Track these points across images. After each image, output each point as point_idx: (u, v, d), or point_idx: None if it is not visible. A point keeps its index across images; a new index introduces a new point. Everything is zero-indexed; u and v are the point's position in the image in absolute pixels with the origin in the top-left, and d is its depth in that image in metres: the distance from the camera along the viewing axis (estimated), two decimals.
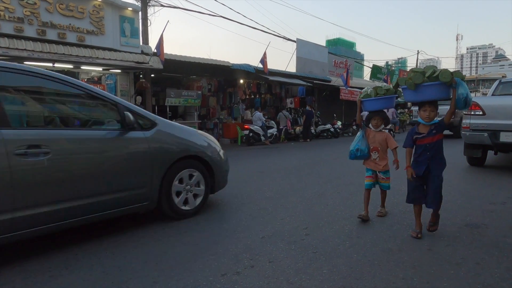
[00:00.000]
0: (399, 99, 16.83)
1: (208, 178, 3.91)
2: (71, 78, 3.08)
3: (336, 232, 3.26)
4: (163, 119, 3.66)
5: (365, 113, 3.77)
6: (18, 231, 2.59)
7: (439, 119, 3.06)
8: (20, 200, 2.56)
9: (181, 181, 3.63)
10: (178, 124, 3.95)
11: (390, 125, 14.62)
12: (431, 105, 2.96)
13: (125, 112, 3.17)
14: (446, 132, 8.17)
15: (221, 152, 4.22)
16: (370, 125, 3.63)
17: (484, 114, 6.05)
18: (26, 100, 3.03)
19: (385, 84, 4.16)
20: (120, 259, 2.75)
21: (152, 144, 3.37)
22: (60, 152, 2.78)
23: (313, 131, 15.95)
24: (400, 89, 3.32)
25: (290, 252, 2.82)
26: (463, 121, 6.40)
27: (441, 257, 2.64)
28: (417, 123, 3.11)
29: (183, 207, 3.67)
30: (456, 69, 3.39)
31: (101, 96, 3.18)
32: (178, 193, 3.62)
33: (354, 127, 17.49)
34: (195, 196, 3.79)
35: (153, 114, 3.64)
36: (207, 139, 4.07)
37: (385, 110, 3.68)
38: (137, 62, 10.58)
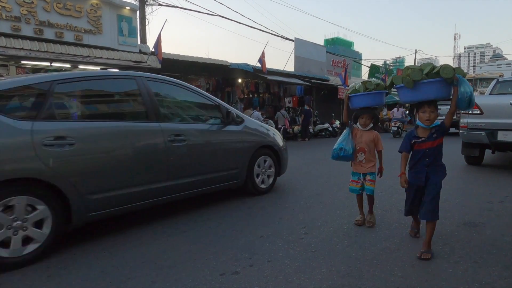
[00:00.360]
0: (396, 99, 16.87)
1: (276, 163, 4.88)
2: (192, 85, 4.20)
3: (334, 231, 3.27)
4: (247, 116, 4.70)
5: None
6: (168, 195, 3.60)
7: (440, 120, 2.72)
8: (171, 173, 3.56)
9: (259, 165, 4.62)
10: (256, 121, 4.94)
11: (399, 123, 14.81)
12: (431, 106, 2.62)
13: (227, 111, 4.18)
14: (452, 130, 8.11)
15: (284, 144, 5.13)
16: (357, 124, 3.34)
17: (481, 113, 6.07)
18: (169, 102, 4.05)
19: (374, 79, 3.88)
20: (119, 258, 2.74)
21: (243, 135, 4.39)
22: (192, 140, 3.76)
23: (311, 130, 15.96)
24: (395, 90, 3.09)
25: (289, 251, 2.82)
26: (461, 120, 6.42)
27: (439, 256, 2.65)
28: (416, 126, 2.78)
29: (261, 186, 4.68)
30: (457, 66, 2.78)
31: (210, 99, 4.21)
32: (257, 175, 4.61)
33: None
34: (268, 177, 4.79)
35: (241, 113, 4.60)
36: (275, 133, 5.03)
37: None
38: (135, 62, 10.56)
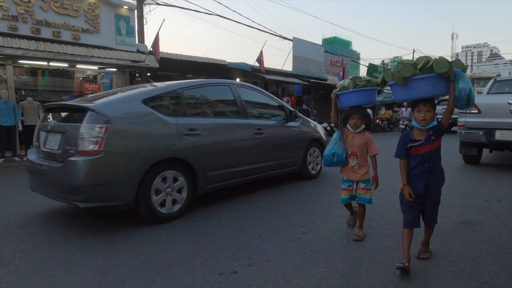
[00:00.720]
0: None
1: (321, 154, 5.59)
2: (263, 89, 5.56)
3: (333, 231, 3.27)
4: (300, 114, 5.70)
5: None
6: (253, 175, 4.65)
7: (438, 119, 2.50)
8: (255, 158, 4.63)
9: (310, 155, 5.62)
10: (307, 118, 5.94)
11: (406, 122, 14.71)
12: (427, 104, 2.36)
13: (289, 110, 5.34)
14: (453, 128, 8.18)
15: (326, 137, 6.09)
16: (348, 126, 3.01)
17: (479, 112, 6.09)
18: (251, 103, 4.95)
19: (366, 77, 3.54)
20: (117, 258, 2.74)
21: (300, 129, 5.51)
22: (268, 133, 4.80)
23: None
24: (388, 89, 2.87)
25: (288, 250, 2.83)
26: (459, 119, 6.44)
27: (437, 255, 2.66)
28: (411, 127, 2.49)
29: (312, 172, 5.70)
30: (456, 59, 2.56)
31: (276, 100, 5.39)
32: (309, 163, 5.62)
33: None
34: (317, 164, 5.82)
35: (296, 111, 5.58)
36: (321, 128, 6.10)
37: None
38: (133, 61, 10.54)
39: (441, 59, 2.28)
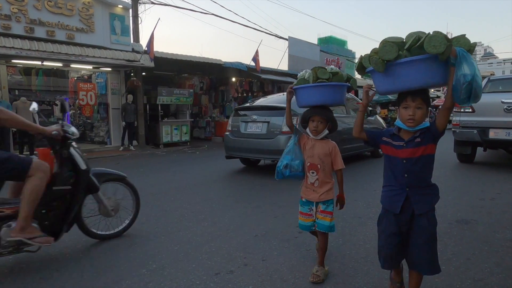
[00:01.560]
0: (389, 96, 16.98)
1: None
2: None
3: None
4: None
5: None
6: (350, 152, 6.58)
7: (430, 119, 2.10)
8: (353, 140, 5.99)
9: None
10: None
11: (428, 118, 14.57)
12: (417, 98, 1.73)
13: (369, 109, 6.07)
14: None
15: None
16: (307, 130, 2.36)
17: (473, 111, 6.14)
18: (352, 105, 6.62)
19: (332, 66, 2.54)
20: (112, 259, 2.72)
21: (375, 122, 7.85)
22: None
23: None
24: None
25: (284, 250, 2.83)
26: (453, 118, 6.49)
27: None
28: (398, 129, 1.87)
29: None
30: (460, 35, 1.74)
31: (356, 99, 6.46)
32: None
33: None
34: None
35: (374, 109, 7.53)
36: (383, 123, 8.15)
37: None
38: (128, 60, 10.48)
39: (436, 35, 1.60)
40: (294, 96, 2.42)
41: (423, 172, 1.80)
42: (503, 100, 5.84)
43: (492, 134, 5.96)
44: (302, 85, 2.31)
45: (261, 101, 7.10)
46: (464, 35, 1.71)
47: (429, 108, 1.91)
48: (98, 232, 3.08)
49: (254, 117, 6.19)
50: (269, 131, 5.90)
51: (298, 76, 2.40)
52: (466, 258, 2.59)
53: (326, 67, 2.35)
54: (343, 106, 6.43)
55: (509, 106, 5.74)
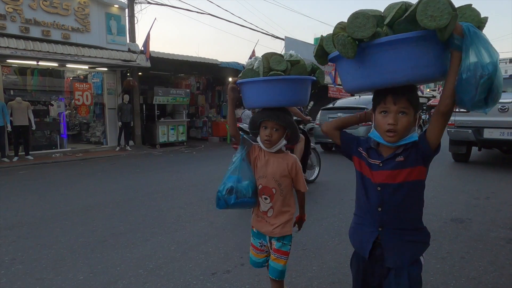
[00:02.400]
0: None
1: None
2: None
3: (325, 229, 3.29)
4: None
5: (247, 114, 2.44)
6: None
7: (420, 132, 1.32)
8: None
9: None
10: None
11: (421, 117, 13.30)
12: (400, 99, 1.21)
13: None
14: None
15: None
16: (258, 140, 1.75)
17: (468, 111, 6.19)
18: None
19: (292, 51, 1.74)
20: (108, 260, 2.72)
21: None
22: None
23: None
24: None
25: None
26: None
27: (427, 252, 2.66)
28: (376, 143, 1.32)
29: None
30: (466, 4, 1.10)
31: None
32: None
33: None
34: None
35: None
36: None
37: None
38: (124, 60, 10.45)
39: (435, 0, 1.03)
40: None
41: (405, 207, 1.24)
42: None
43: (487, 133, 6.02)
44: (250, 78, 1.65)
45: (343, 102, 9.60)
46: (470, 5, 1.16)
47: (420, 113, 1.31)
48: None
49: (339, 114, 7.75)
50: None
51: (245, 64, 1.79)
52: (460, 257, 2.62)
53: (283, 54, 1.69)
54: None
55: (503, 106, 5.79)
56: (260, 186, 1.73)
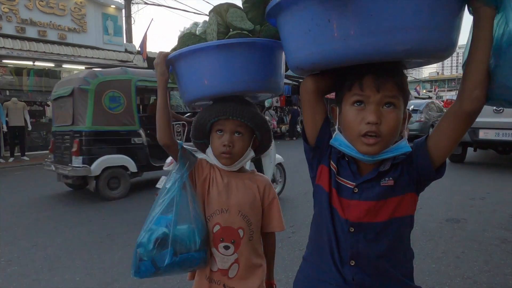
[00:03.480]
0: None
1: None
2: None
3: None
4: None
5: None
6: None
7: (419, 136, 0.99)
8: None
9: None
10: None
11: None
12: (386, 82, 0.75)
13: None
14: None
15: None
16: (208, 152, 1.12)
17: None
18: None
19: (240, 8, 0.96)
20: (106, 260, 2.72)
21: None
22: None
23: (299, 129, 16.07)
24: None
25: (277, 250, 2.81)
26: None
27: (423, 252, 2.71)
28: (350, 158, 0.85)
29: None
30: None
31: None
32: None
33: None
34: None
35: None
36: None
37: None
38: (121, 61, 10.44)
39: None
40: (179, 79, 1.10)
41: (392, 259, 0.82)
42: None
43: (482, 134, 6.07)
44: (195, 45, 1.00)
45: None
46: None
47: (407, 110, 0.84)
48: None
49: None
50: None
51: (181, 31, 1.15)
52: (456, 256, 2.64)
53: (239, 8, 1.04)
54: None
55: (498, 107, 5.84)
56: (216, 229, 1.07)
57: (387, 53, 0.69)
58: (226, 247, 1.07)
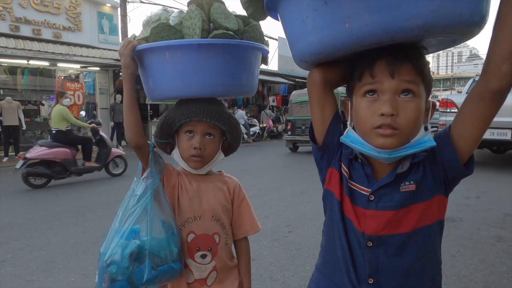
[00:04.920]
0: None
1: None
2: None
3: (318, 229, 3.30)
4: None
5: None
6: None
7: (437, 129, 0.81)
8: None
9: None
10: None
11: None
12: (402, 66, 0.65)
13: None
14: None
15: None
16: (175, 154, 1.04)
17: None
18: None
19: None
20: None
21: None
22: None
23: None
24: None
25: (274, 249, 2.84)
26: (440, 118, 6.62)
27: None
28: (363, 156, 0.75)
29: None
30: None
31: None
32: None
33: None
34: None
35: None
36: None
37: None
38: (117, 60, 10.37)
39: None
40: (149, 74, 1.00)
41: (416, 275, 0.74)
42: None
43: None
44: (175, 41, 0.93)
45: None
46: None
47: (431, 100, 0.74)
48: None
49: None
50: None
51: (146, 19, 1.04)
52: (451, 255, 2.65)
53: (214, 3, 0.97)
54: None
55: None
56: (190, 237, 1.01)
57: (397, 32, 0.59)
58: (203, 256, 1.02)
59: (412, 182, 0.70)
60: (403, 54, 0.65)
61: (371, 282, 0.72)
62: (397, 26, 0.59)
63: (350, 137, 0.72)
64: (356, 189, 0.74)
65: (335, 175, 0.78)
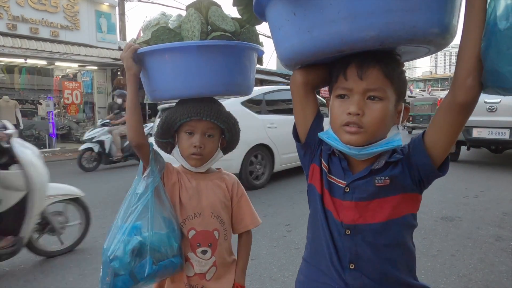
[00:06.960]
0: None
1: None
2: None
3: None
4: None
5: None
6: None
7: (413, 133, 1.01)
8: None
9: None
10: None
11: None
12: (370, 70, 0.71)
13: None
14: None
15: None
16: (175, 152, 1.08)
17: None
18: None
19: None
20: (99, 261, 2.67)
21: None
22: None
23: None
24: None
25: (273, 249, 2.83)
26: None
27: (418, 250, 2.69)
28: (334, 153, 0.84)
29: None
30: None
31: None
32: None
33: None
34: None
35: None
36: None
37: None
38: (115, 59, 10.34)
39: None
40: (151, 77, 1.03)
41: (393, 261, 0.79)
42: (485, 100, 5.99)
43: (476, 133, 6.13)
44: (174, 43, 0.96)
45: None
46: None
47: (405, 104, 0.80)
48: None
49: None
50: None
51: (146, 21, 1.09)
52: (451, 255, 2.65)
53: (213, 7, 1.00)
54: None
55: (491, 106, 5.89)
56: (191, 234, 1.04)
57: (354, 42, 0.65)
58: (204, 252, 1.06)
59: (387, 177, 0.77)
60: (371, 59, 0.71)
61: (352, 268, 0.79)
62: (353, 37, 0.64)
63: (327, 133, 0.79)
64: (334, 182, 0.82)
65: (317, 170, 0.85)
